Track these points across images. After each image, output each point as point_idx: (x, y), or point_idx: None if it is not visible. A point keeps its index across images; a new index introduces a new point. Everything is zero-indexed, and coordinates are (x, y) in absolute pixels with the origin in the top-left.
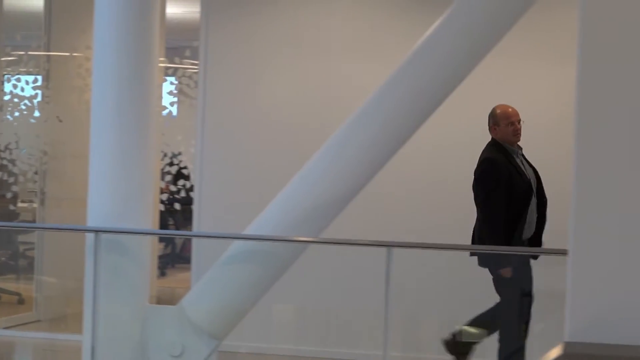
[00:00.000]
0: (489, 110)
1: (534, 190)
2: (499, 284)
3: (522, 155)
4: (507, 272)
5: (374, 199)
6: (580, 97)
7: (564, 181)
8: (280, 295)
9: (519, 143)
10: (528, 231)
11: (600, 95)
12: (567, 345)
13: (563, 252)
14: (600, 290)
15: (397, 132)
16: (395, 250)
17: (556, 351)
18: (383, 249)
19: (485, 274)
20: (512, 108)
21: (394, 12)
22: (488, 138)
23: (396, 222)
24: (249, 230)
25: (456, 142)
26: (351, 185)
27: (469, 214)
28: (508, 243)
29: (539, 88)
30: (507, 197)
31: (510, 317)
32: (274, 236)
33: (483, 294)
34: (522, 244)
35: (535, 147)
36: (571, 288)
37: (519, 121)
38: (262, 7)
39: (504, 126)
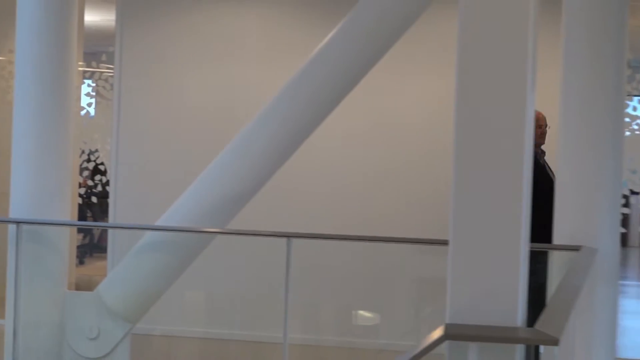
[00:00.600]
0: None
1: None
2: None
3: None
4: None
5: (278, 193)
6: (459, 103)
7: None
8: (191, 281)
9: (542, 147)
10: None
11: (475, 102)
12: (448, 327)
13: (445, 242)
14: (476, 277)
15: (296, 132)
16: (296, 240)
17: (438, 332)
18: (284, 239)
19: (378, 264)
20: (539, 112)
21: (297, 24)
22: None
23: (298, 214)
24: (160, 222)
25: (355, 140)
26: (255, 180)
27: (362, 206)
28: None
29: (426, 93)
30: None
31: None
32: (183, 227)
33: (377, 282)
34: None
35: (421, 146)
36: (451, 275)
37: (546, 125)
38: (174, 16)
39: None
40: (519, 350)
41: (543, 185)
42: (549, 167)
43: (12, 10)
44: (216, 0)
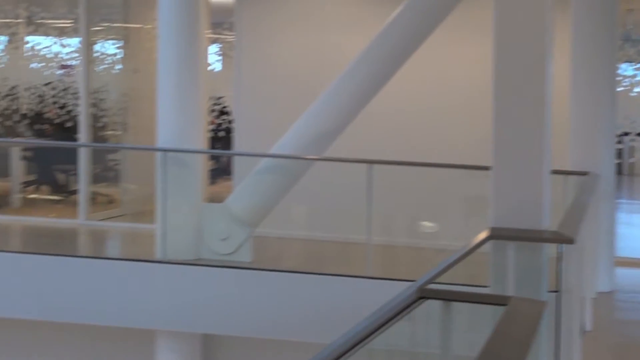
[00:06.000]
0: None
1: None
2: None
3: None
4: None
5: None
6: (497, 67)
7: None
8: (297, 196)
9: None
10: None
11: (508, 66)
12: (492, 230)
13: (487, 168)
14: (512, 194)
15: (376, 80)
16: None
17: (484, 234)
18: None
19: (440, 184)
20: None
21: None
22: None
23: (376, 145)
24: (273, 151)
25: (423, 87)
26: (343, 118)
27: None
28: None
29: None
30: None
31: None
32: (289, 155)
33: (437, 198)
34: None
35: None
36: (494, 191)
37: None
38: None
39: None
40: (545, 248)
41: None
42: None
43: None
44: None
